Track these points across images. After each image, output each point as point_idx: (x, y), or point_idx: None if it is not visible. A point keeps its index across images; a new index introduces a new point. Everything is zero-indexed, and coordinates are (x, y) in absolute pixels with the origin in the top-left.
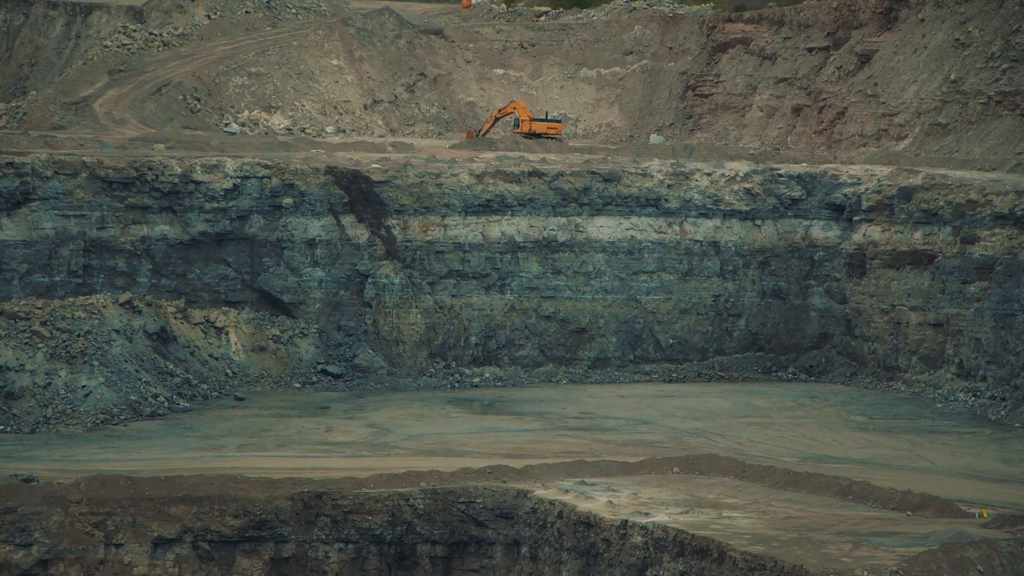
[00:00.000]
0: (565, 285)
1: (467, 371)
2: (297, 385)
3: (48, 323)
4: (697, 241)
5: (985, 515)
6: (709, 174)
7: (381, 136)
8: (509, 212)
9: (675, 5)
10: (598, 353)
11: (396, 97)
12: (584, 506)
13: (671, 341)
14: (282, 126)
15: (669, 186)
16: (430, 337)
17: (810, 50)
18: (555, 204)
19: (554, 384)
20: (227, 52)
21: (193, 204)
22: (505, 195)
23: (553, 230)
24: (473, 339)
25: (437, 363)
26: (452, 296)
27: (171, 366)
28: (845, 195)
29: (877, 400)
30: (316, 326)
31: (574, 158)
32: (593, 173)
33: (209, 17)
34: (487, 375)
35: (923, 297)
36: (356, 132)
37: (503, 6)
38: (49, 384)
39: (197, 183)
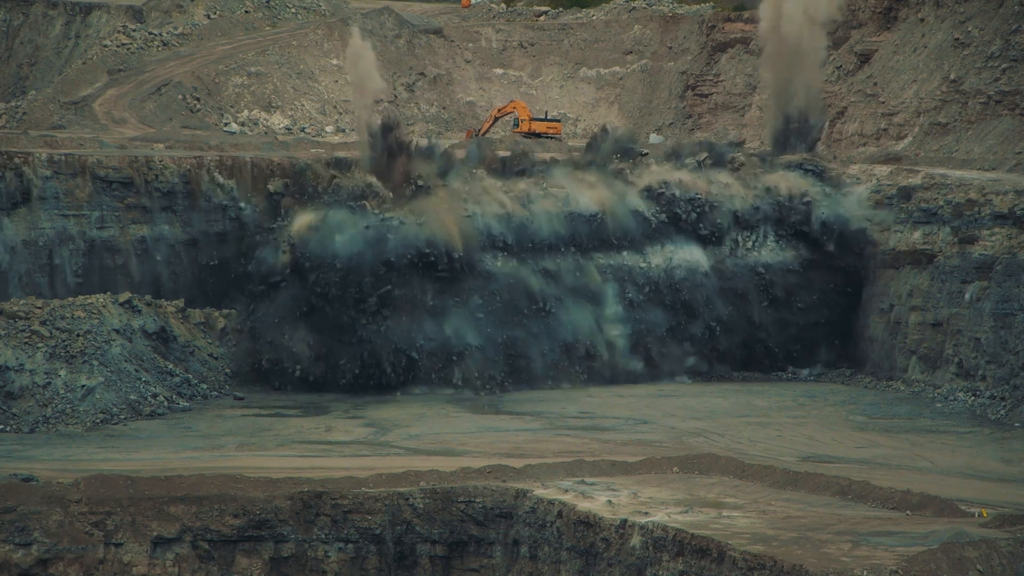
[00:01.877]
0: None
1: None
2: None
3: (48, 323)
4: None
5: (985, 515)
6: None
7: None
8: None
9: (675, 5)
10: None
11: (396, 97)
12: (583, 506)
13: None
14: (282, 126)
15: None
16: None
17: None
18: None
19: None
20: (227, 52)
21: (193, 204)
22: None
23: None
24: None
25: None
26: None
27: (171, 366)
28: (844, 195)
29: (877, 400)
30: None
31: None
32: None
33: (209, 17)
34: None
35: (922, 297)
36: (356, 132)
37: (503, 6)
38: (49, 384)
39: (197, 183)
